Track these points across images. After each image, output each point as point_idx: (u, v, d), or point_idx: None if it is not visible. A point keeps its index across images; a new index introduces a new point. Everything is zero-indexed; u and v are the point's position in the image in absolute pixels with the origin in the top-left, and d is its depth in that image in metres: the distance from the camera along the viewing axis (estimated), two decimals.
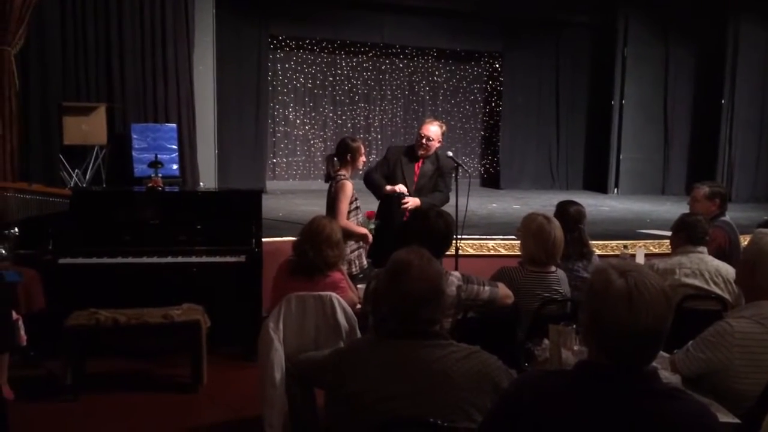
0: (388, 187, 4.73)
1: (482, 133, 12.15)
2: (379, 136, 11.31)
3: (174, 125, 8.05)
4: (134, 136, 7.77)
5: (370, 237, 4.46)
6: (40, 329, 4.31)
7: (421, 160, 4.86)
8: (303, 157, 10.93)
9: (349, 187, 4.39)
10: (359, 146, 4.51)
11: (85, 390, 4.06)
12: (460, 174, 4.88)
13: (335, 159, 4.53)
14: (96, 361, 4.37)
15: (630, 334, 1.47)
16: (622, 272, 1.52)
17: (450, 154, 4.96)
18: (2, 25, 6.35)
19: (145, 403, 4.04)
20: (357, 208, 4.50)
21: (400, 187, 4.71)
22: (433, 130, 4.81)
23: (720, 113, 10.82)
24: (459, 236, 4.69)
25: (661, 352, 2.48)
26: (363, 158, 4.56)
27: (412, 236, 3.22)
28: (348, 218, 4.37)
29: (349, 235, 4.18)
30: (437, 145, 4.88)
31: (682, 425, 1.47)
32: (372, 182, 4.81)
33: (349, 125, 11.13)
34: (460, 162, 4.95)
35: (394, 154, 4.90)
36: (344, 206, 4.35)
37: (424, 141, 4.80)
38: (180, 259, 4.66)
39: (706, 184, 4.77)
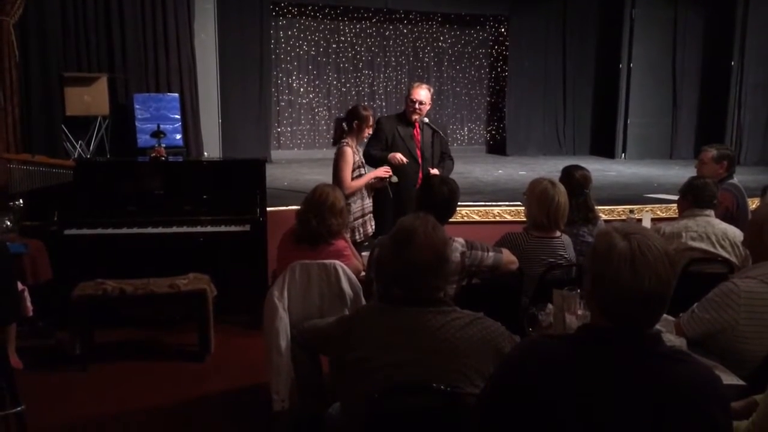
0: (396, 156, 4.66)
1: (488, 99, 12.03)
2: (383, 104, 11.22)
3: (176, 95, 8.00)
4: (137, 106, 7.74)
5: (386, 170, 4.52)
6: (49, 300, 4.35)
7: (417, 127, 4.83)
8: (307, 126, 10.86)
9: (349, 152, 4.39)
10: (368, 116, 4.48)
11: (94, 360, 4.10)
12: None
13: (344, 124, 4.51)
14: (104, 331, 4.41)
15: (632, 296, 1.46)
16: (625, 235, 1.50)
17: (426, 120, 4.89)
18: None
19: (153, 372, 4.08)
20: (360, 176, 4.48)
21: (400, 157, 4.66)
22: (424, 93, 4.77)
23: (729, 76, 10.65)
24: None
25: (666, 316, 2.48)
26: (369, 130, 4.52)
27: (416, 203, 3.24)
28: None
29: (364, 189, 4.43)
30: (428, 107, 4.85)
31: (686, 388, 1.46)
32: (372, 157, 4.73)
33: (353, 93, 11.04)
34: (437, 128, 4.89)
35: (387, 126, 4.82)
36: (346, 172, 4.37)
37: (417, 106, 4.75)
38: (185, 229, 4.67)
39: (713, 147, 4.73)
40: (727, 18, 10.62)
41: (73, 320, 4.09)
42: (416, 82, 5.29)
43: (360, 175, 4.48)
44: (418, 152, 4.81)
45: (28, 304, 4.00)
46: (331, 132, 4.84)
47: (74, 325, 4.10)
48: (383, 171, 4.54)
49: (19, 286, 3.93)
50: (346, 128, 4.51)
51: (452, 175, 4.24)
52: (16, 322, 4.01)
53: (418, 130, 4.83)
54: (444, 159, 4.95)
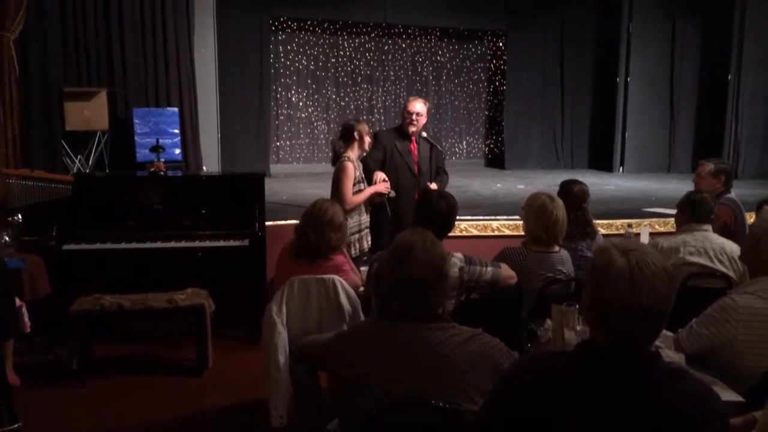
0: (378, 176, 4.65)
1: (486, 112, 12.06)
2: (382, 117, 11.24)
3: (176, 109, 8.00)
4: (136, 120, 7.73)
5: (386, 186, 4.52)
6: (47, 315, 4.34)
7: (414, 141, 4.85)
8: (306, 140, 10.87)
9: (350, 167, 4.38)
10: (364, 126, 4.49)
11: (92, 375, 4.09)
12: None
13: (341, 141, 4.52)
14: (102, 346, 4.40)
15: (631, 312, 1.46)
16: (623, 251, 1.51)
17: (425, 134, 4.91)
18: (0, 9, 6.30)
19: (151, 387, 4.07)
20: (360, 191, 4.47)
21: (382, 176, 4.63)
22: (420, 105, 4.83)
23: (726, 89, 10.67)
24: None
25: (665, 331, 2.47)
26: (368, 137, 4.54)
27: (415, 218, 3.24)
28: None
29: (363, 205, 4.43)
30: (425, 120, 4.88)
31: (684, 405, 1.46)
32: (367, 168, 4.76)
33: (352, 107, 11.07)
34: (434, 143, 4.93)
35: (386, 140, 4.86)
36: (347, 187, 4.35)
37: (414, 118, 4.79)
38: (183, 244, 4.68)
39: (711, 161, 4.74)
40: (724, 31, 10.66)
41: (71, 335, 4.09)
42: (413, 95, 5.33)
43: (360, 191, 4.47)
44: (416, 167, 4.82)
45: (26, 320, 4.00)
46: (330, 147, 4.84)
47: (72, 340, 4.10)
48: (384, 186, 4.54)
49: (17, 302, 3.92)
50: (344, 144, 4.50)
51: (451, 189, 4.25)
52: (14, 338, 4.00)
53: (415, 144, 4.85)
54: (439, 173, 4.96)
